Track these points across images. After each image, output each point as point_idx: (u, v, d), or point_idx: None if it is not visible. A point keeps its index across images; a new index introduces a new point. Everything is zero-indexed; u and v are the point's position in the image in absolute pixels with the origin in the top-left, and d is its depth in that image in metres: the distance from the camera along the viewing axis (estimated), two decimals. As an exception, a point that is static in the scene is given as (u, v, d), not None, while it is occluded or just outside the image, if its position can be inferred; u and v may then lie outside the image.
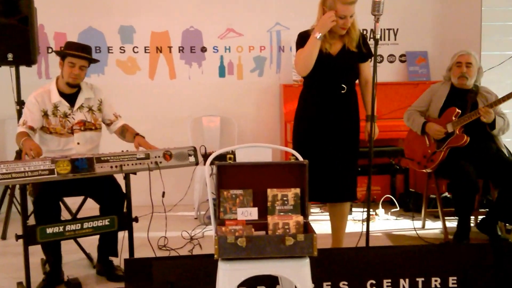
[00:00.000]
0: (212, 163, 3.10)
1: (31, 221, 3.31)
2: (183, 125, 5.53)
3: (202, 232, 4.61)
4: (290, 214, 2.77)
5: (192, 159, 3.54)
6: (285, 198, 2.78)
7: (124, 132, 3.78)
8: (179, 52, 5.60)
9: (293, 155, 2.84)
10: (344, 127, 3.55)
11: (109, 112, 3.81)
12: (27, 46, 4.36)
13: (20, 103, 4.45)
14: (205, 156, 4.89)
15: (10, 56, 4.34)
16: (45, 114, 3.60)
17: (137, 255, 3.47)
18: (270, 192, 2.79)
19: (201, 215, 4.97)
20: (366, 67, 3.62)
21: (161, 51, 5.58)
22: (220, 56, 5.64)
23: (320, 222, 4.83)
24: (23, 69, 4.59)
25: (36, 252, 3.56)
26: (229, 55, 5.65)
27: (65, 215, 3.64)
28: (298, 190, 2.78)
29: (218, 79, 5.66)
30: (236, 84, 5.68)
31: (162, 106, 5.62)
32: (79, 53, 3.59)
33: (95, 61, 3.74)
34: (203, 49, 5.62)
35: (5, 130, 5.34)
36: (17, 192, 4.68)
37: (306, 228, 2.66)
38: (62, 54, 3.63)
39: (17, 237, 3.18)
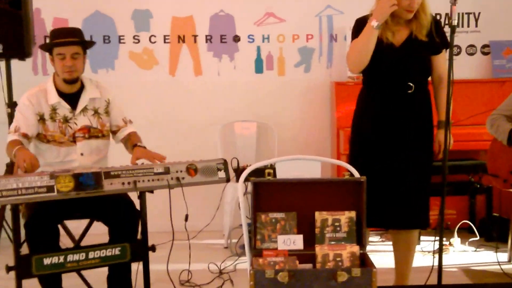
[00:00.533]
0: (246, 180, 3.12)
1: (25, 249, 3.36)
2: (211, 133, 5.57)
3: (233, 264, 4.63)
4: (343, 243, 2.78)
5: (221, 174, 3.55)
6: (337, 224, 2.79)
7: (127, 142, 3.82)
8: (206, 42, 5.66)
9: (347, 170, 2.85)
10: (413, 136, 3.53)
11: (117, 116, 3.85)
12: (20, 35, 4.44)
13: (12, 105, 4.52)
14: (238, 171, 4.89)
15: (-1, 48, 4.42)
16: (41, 119, 3.65)
17: (153, 292, 3.51)
18: (319, 215, 2.81)
19: (232, 244, 4.98)
20: (440, 61, 3.60)
21: (184, 41, 5.65)
22: (256, 47, 5.67)
23: (381, 253, 4.79)
24: (15, 63, 4.68)
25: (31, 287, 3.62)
26: (268, 45, 5.67)
27: (66, 242, 3.69)
28: (353, 214, 2.79)
29: (254, 75, 5.70)
30: (276, 81, 5.70)
31: (185, 109, 5.68)
32: (66, 38, 3.61)
33: (90, 44, 3.78)
34: (236, 39, 5.67)
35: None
36: (7, 214, 4.76)
37: (363, 261, 2.66)
38: (47, 46, 3.68)
39: (8, 268, 3.21)
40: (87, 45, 3.74)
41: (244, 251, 4.72)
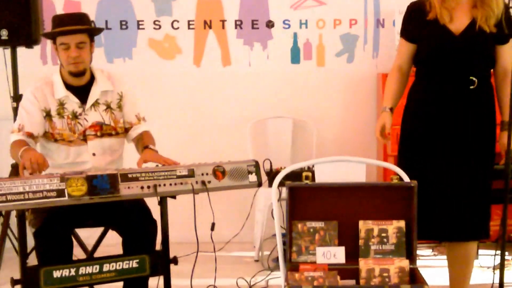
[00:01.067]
0: (281, 184, 3.13)
1: (32, 260, 3.41)
2: (241, 131, 5.59)
3: (265, 280, 4.64)
4: (390, 256, 2.77)
5: (252, 178, 3.54)
6: (384, 234, 2.78)
7: (139, 143, 3.82)
8: (236, 28, 5.67)
9: (396, 173, 2.84)
10: (473, 137, 3.51)
11: (129, 112, 3.86)
12: (27, 20, 4.49)
13: (18, 98, 4.54)
14: (271, 174, 4.91)
15: (4, 34, 4.48)
16: (48, 115, 3.68)
17: (175, 310, 3.53)
18: (363, 225, 2.81)
19: (264, 257, 5.00)
20: (506, 51, 3.57)
21: (210, 27, 5.67)
22: (293, 33, 5.68)
23: (433, 269, 4.76)
24: (22, 51, 4.74)
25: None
26: (305, 32, 5.68)
27: (77, 253, 3.73)
28: (402, 224, 2.79)
29: (290, 66, 5.70)
30: (315, 73, 5.70)
31: (211, 104, 5.71)
32: (69, 26, 3.61)
33: (97, 31, 3.80)
34: (270, 24, 5.68)
35: (-4, 136, 5.51)
36: (12, 221, 4.81)
37: (414, 277, 2.65)
38: (50, 35, 3.69)
39: (14, 282, 3.24)
40: (94, 32, 3.75)
41: (277, 265, 4.80)
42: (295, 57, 5.70)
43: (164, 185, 3.32)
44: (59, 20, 3.68)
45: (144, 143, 3.75)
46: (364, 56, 5.67)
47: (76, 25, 3.63)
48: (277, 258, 4.85)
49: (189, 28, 5.66)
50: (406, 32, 3.63)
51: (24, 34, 4.50)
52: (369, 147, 5.65)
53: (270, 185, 4.80)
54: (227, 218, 4.70)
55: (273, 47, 5.69)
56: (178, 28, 5.66)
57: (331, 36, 5.67)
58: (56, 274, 3.27)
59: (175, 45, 5.68)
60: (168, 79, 5.70)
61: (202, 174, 3.41)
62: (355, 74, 5.68)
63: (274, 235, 4.96)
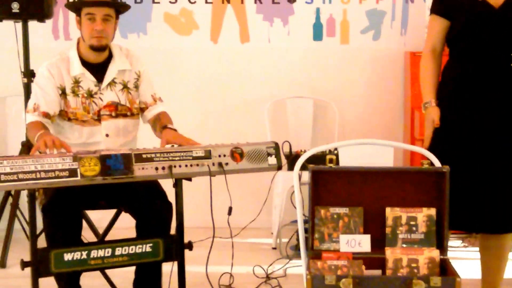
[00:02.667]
0: (303, 168, 3.11)
1: (42, 242, 3.42)
2: (259, 111, 5.58)
3: (283, 268, 4.64)
4: (419, 246, 2.76)
5: (272, 160, 3.54)
6: (412, 223, 2.77)
7: (156, 123, 3.82)
8: (255, 2, 5.65)
9: (426, 158, 2.82)
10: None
11: (146, 91, 3.86)
12: (39, -8, 4.52)
13: (29, 75, 4.57)
14: (290, 157, 4.90)
15: (15, 7, 4.48)
16: (63, 93, 3.68)
17: (190, 297, 3.54)
18: (391, 212, 2.79)
19: (282, 244, 5.00)
20: None
21: (228, 1, 5.65)
22: (315, 9, 5.65)
23: (464, 261, 4.74)
24: (33, 25, 4.74)
25: (46, 287, 3.68)
26: (329, 7, 5.65)
27: (87, 235, 3.74)
28: (433, 212, 2.77)
29: (312, 43, 5.68)
30: (339, 51, 5.68)
31: (228, 82, 5.71)
32: None
33: (125, 7, 3.79)
34: (291, -1, 5.66)
35: (6, 112, 5.52)
36: (22, 202, 4.89)
37: (444, 269, 2.64)
38: (76, 5, 3.68)
39: (24, 264, 3.26)
40: (121, 9, 3.75)
41: (296, 253, 4.82)
42: (317, 34, 5.68)
43: (180, 166, 3.32)
44: None
45: (162, 123, 3.75)
46: (392, 33, 5.65)
47: None
48: (296, 245, 4.93)
49: (206, 2, 5.66)
50: (439, 7, 3.58)
51: (36, 7, 4.51)
52: (395, 130, 5.63)
53: (290, 168, 4.81)
54: (243, 203, 4.69)
55: (294, 23, 5.67)
56: (195, 2, 5.65)
57: (356, 12, 5.65)
58: (67, 257, 3.30)
59: (192, 20, 5.67)
60: (183, 56, 5.70)
61: (219, 156, 3.42)
62: (381, 52, 5.66)
63: (293, 221, 5.03)
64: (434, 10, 3.62)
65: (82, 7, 3.63)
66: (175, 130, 3.67)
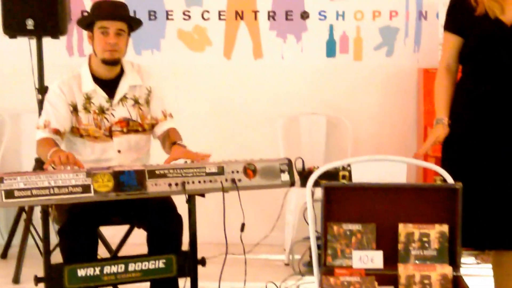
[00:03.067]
0: (316, 184, 3.12)
1: (55, 258, 3.43)
2: (272, 127, 5.59)
3: (296, 284, 4.64)
4: (432, 263, 2.75)
5: (285, 177, 3.53)
6: (425, 239, 2.77)
7: (165, 139, 3.83)
8: (269, 19, 5.67)
9: (439, 174, 2.83)
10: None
11: (156, 107, 3.86)
12: (54, 9, 4.53)
13: (44, 92, 4.58)
14: (303, 173, 4.90)
15: (30, 24, 4.51)
16: (74, 109, 3.69)
17: (202, 313, 3.55)
18: (403, 228, 2.79)
19: (295, 261, 4.99)
20: None
21: (242, 18, 5.67)
22: (329, 25, 5.66)
23: (477, 278, 4.72)
24: (47, 42, 4.78)
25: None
26: (342, 24, 5.66)
27: (101, 252, 3.74)
28: (445, 228, 2.77)
29: (326, 60, 5.68)
30: (352, 67, 5.68)
31: (241, 98, 5.71)
32: (111, 12, 3.65)
33: (137, 23, 3.81)
34: (304, 15, 5.67)
35: (21, 129, 5.55)
36: (35, 218, 4.91)
37: (457, 285, 2.63)
38: (88, 19, 3.71)
39: (37, 280, 3.28)
40: (133, 24, 3.78)
41: (308, 270, 4.82)
42: (330, 51, 5.68)
43: (193, 182, 3.33)
44: (101, 5, 3.71)
45: (171, 139, 3.75)
46: (405, 50, 5.63)
47: (118, 12, 3.67)
48: (309, 262, 4.92)
49: (219, 19, 5.67)
50: (452, 24, 3.59)
51: (50, 24, 4.54)
52: (408, 147, 5.60)
53: (302, 185, 4.80)
54: (256, 219, 4.70)
55: (308, 40, 5.67)
56: (208, 19, 5.67)
57: (369, 29, 5.64)
58: (81, 272, 3.31)
59: (205, 37, 5.69)
60: (197, 72, 5.70)
61: (232, 172, 3.42)
62: (395, 69, 5.65)
63: (306, 238, 5.02)
64: (447, 27, 3.63)
65: (96, 20, 3.65)
66: (184, 146, 3.68)
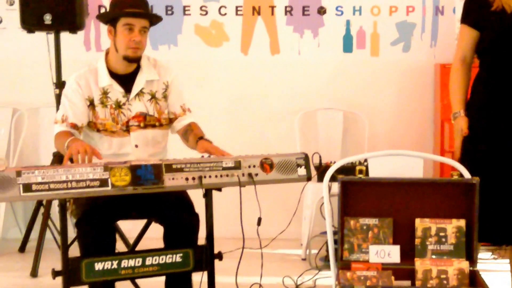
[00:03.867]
0: (333, 179, 3.12)
1: (73, 252, 3.44)
2: (288, 122, 5.60)
3: (313, 279, 4.64)
4: (449, 257, 2.74)
5: (302, 171, 3.50)
6: (442, 234, 2.76)
7: (188, 134, 3.81)
8: (286, 14, 5.67)
9: (456, 170, 2.82)
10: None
11: (175, 102, 3.85)
12: (72, 4, 4.57)
13: (61, 86, 4.62)
14: (320, 168, 4.90)
15: (47, 18, 4.55)
16: (91, 104, 3.69)
17: (219, 308, 3.54)
18: (420, 223, 2.78)
19: (311, 255, 5.00)
20: None
21: (259, 13, 5.67)
22: (346, 21, 5.66)
23: (493, 273, 4.71)
24: (65, 37, 4.81)
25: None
26: (359, 19, 5.66)
27: (118, 246, 3.74)
28: (462, 223, 2.76)
29: (343, 55, 5.69)
30: (369, 63, 5.68)
31: (258, 94, 5.73)
32: (136, 9, 3.62)
33: (158, 19, 3.78)
34: (321, 11, 5.66)
35: (39, 123, 5.61)
36: (53, 212, 4.95)
37: (474, 280, 2.62)
38: (114, 15, 3.66)
39: (55, 273, 3.28)
40: (155, 20, 3.75)
41: (325, 264, 4.82)
42: (347, 46, 5.68)
43: (210, 176, 3.31)
44: (122, 1, 3.66)
45: (196, 134, 3.74)
46: (422, 46, 5.63)
47: (141, 9, 3.65)
48: (325, 257, 4.92)
49: (237, 14, 5.68)
50: (469, 17, 3.58)
51: (68, 19, 4.58)
52: (424, 142, 5.61)
53: (319, 180, 4.81)
54: (272, 214, 4.69)
55: (325, 35, 5.68)
56: (225, 14, 5.68)
57: (386, 24, 5.65)
58: (98, 266, 3.30)
59: (222, 32, 5.70)
60: (214, 67, 5.73)
61: (249, 167, 3.40)
62: (411, 65, 5.65)
63: (322, 232, 5.03)
64: (464, 20, 3.62)
65: (121, 17, 3.62)
66: (210, 141, 3.67)
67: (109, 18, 3.69)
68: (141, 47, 3.65)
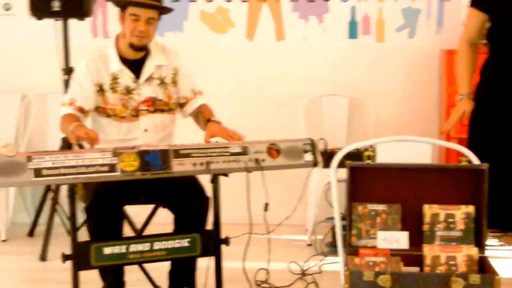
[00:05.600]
0: (339, 165, 3.10)
1: (81, 237, 3.43)
2: (294, 108, 5.58)
3: (318, 265, 4.62)
4: (457, 243, 2.73)
5: (308, 157, 3.50)
6: (450, 220, 2.75)
7: (199, 116, 3.82)
8: (291, 0, 5.63)
9: (464, 156, 2.79)
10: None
11: (185, 87, 3.86)
12: (79, -9, 4.57)
13: (69, 71, 4.63)
14: (325, 154, 4.88)
15: (56, 5, 4.55)
16: (101, 89, 3.69)
17: (226, 293, 3.53)
18: (429, 209, 2.77)
19: (317, 241, 4.98)
20: None
21: (264, 0, 5.65)
22: (351, 7, 5.62)
23: (500, 260, 4.63)
24: (72, 24, 4.79)
25: (87, 282, 3.68)
26: (364, 5, 5.61)
27: (125, 231, 3.74)
28: (471, 209, 2.74)
29: (348, 41, 5.65)
30: (374, 49, 5.64)
31: (263, 80, 5.69)
32: (144, 0, 3.63)
33: (168, 10, 3.79)
34: (327, -3, 5.64)
35: (47, 109, 5.60)
36: (61, 196, 4.95)
37: (483, 267, 2.60)
38: (121, 3, 3.68)
39: (65, 257, 3.29)
40: (164, 11, 3.75)
41: (330, 250, 4.80)
42: (352, 32, 5.64)
43: (217, 162, 3.32)
44: None
45: (205, 116, 3.75)
46: (427, 31, 5.58)
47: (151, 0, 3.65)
48: (331, 242, 4.91)
49: (242, 0, 5.64)
50: (479, 1, 3.55)
51: (75, 5, 4.58)
52: (430, 128, 5.56)
53: (325, 165, 4.78)
54: (278, 200, 4.66)
55: (330, 21, 5.64)
56: (231, 0, 5.64)
57: (391, 10, 5.59)
58: (107, 250, 3.32)
59: (228, 18, 5.67)
60: (219, 54, 5.70)
61: (256, 152, 3.40)
62: (417, 51, 5.61)
63: (328, 218, 5.01)
64: (474, 3, 3.60)
65: (128, 6, 3.63)
66: (219, 122, 3.67)
67: (120, 5, 3.70)
68: (147, 36, 3.66)
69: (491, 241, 5.11)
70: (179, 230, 3.59)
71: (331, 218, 4.99)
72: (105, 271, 3.57)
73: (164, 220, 3.77)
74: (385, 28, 5.61)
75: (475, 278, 2.45)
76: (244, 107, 5.67)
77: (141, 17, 3.61)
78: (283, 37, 5.67)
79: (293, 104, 5.59)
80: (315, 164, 3.52)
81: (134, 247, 3.37)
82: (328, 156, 4.75)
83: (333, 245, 4.89)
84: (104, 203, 3.48)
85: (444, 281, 2.47)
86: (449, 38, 5.49)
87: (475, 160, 2.79)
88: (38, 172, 2.98)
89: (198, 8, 5.66)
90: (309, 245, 5.10)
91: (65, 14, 4.62)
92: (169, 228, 3.64)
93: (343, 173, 3.17)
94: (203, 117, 3.76)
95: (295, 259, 4.64)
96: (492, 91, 3.49)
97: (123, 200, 3.64)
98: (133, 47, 3.67)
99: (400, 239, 2.78)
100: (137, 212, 4.22)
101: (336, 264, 4.56)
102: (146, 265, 3.90)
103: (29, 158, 2.96)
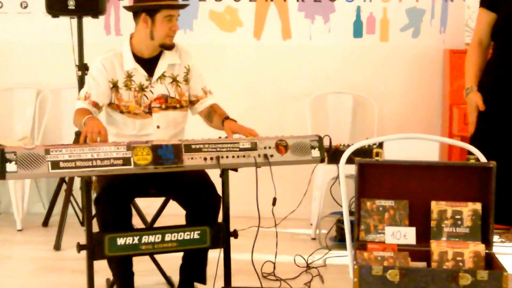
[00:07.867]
0: (349, 161, 3.06)
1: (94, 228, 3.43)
2: (299, 106, 5.56)
3: (323, 258, 4.60)
4: (464, 240, 2.69)
5: (315, 153, 3.52)
6: (458, 217, 2.72)
7: (212, 115, 3.82)
8: (298, 0, 5.60)
9: (467, 153, 2.75)
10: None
11: (196, 85, 3.85)
12: (94, -10, 4.56)
13: (83, 68, 4.65)
14: (330, 150, 4.83)
15: (71, 4, 4.54)
16: (115, 86, 3.68)
17: (234, 283, 3.49)
18: (436, 206, 2.74)
19: (321, 235, 4.95)
20: None
21: (272, -1, 5.62)
22: (356, 7, 5.59)
23: (501, 256, 4.61)
24: (87, 21, 4.79)
25: (98, 271, 3.65)
26: (369, 5, 5.58)
27: (136, 223, 3.74)
28: (478, 206, 2.71)
29: (353, 40, 5.62)
30: (378, 48, 5.61)
31: (270, 77, 5.67)
32: (174, 1, 3.65)
33: (182, 7, 3.78)
34: (333, -3, 5.60)
35: (61, 104, 5.60)
36: (75, 188, 5.02)
37: (490, 263, 2.57)
38: (154, 7, 3.62)
39: (80, 247, 3.31)
40: (180, 8, 3.76)
41: (335, 244, 4.77)
42: (357, 31, 5.62)
43: (227, 157, 3.34)
44: None
45: (221, 114, 3.76)
46: (431, 31, 5.56)
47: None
48: (335, 237, 4.88)
49: (250, 0, 5.62)
50: (486, 1, 3.52)
51: (90, 4, 4.58)
52: (433, 127, 5.57)
53: (330, 162, 4.73)
54: (283, 194, 4.63)
55: (335, 21, 5.61)
56: (239, 0, 5.60)
57: (396, 10, 5.57)
58: (120, 241, 3.33)
59: (236, 18, 5.65)
60: (228, 52, 5.68)
61: (265, 148, 3.41)
62: (421, 50, 5.59)
63: (332, 213, 4.98)
64: (482, 3, 3.58)
65: (161, 9, 3.62)
66: (235, 121, 3.68)
67: (149, 9, 3.64)
68: (175, 34, 3.71)
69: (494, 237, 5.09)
70: (191, 224, 3.58)
71: (335, 213, 4.98)
72: (115, 261, 3.56)
73: (173, 211, 3.77)
74: (390, 27, 5.59)
75: (483, 274, 2.41)
76: (250, 104, 5.65)
77: (174, 16, 3.65)
78: (290, 36, 5.65)
79: (299, 101, 5.58)
80: (322, 160, 3.54)
81: (146, 239, 3.38)
82: (332, 152, 4.70)
83: (337, 239, 4.88)
84: (115, 195, 3.47)
85: (452, 277, 2.43)
86: (452, 38, 5.51)
87: (482, 158, 2.75)
88: (55, 165, 3.00)
89: (207, 7, 5.64)
90: (314, 239, 5.08)
91: (80, 12, 4.62)
92: (178, 219, 3.65)
93: (349, 169, 3.14)
94: (218, 115, 3.77)
95: (300, 253, 4.63)
96: (498, 90, 3.47)
97: (134, 192, 3.64)
98: (164, 47, 3.70)
99: (407, 235, 2.75)
100: (146, 204, 4.20)
101: (340, 257, 4.55)
102: (156, 256, 3.90)
103: (47, 151, 2.98)
